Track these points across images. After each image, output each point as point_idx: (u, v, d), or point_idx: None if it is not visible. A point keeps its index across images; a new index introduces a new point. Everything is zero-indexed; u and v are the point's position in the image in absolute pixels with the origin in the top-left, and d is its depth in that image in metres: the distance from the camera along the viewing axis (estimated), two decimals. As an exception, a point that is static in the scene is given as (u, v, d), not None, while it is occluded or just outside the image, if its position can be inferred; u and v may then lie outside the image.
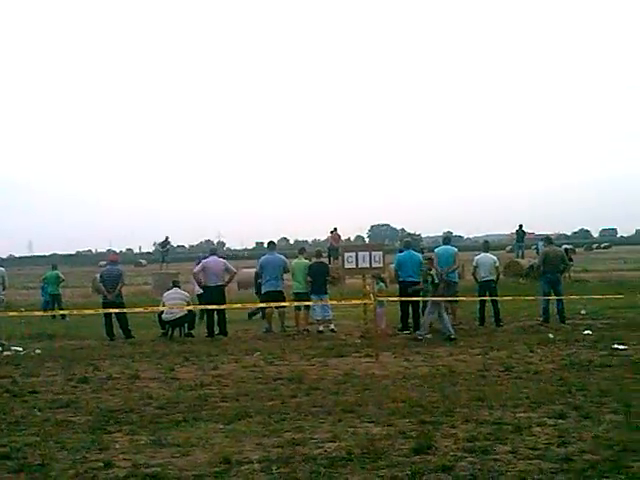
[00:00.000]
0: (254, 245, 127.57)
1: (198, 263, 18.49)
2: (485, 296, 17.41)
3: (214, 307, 16.61)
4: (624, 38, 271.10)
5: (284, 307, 17.39)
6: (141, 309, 17.45)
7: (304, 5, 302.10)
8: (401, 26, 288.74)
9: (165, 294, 18.04)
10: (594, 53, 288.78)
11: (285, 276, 18.09)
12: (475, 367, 11.66)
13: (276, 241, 19.83)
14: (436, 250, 18.12)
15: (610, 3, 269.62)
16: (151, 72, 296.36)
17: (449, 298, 16.46)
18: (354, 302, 17.01)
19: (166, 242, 48.71)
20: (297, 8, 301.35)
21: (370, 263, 16.70)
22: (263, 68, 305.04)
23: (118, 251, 79.40)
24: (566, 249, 27.67)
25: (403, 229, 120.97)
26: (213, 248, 20.22)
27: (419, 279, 16.53)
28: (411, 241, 19.07)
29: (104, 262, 47.10)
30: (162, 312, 17.08)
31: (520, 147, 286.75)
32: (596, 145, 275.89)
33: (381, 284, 16.69)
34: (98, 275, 19.30)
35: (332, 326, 17.25)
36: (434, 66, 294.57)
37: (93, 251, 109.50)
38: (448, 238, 19.34)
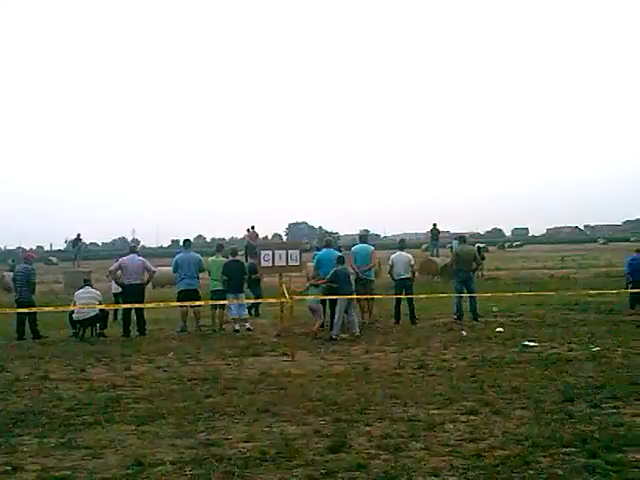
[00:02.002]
0: (170, 243, 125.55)
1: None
2: (401, 294, 17.59)
3: (128, 306, 16.31)
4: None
5: (199, 306, 17.16)
6: (51, 308, 16.97)
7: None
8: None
9: (76, 293, 17.55)
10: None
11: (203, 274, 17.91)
12: (390, 365, 11.76)
13: (192, 239, 19.58)
14: (353, 248, 18.23)
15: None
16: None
17: (365, 296, 16.59)
18: (271, 301, 16.94)
19: (78, 239, 47.55)
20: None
21: (287, 261, 16.75)
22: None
23: (28, 248, 76.87)
24: (479, 248, 28.30)
25: (321, 227, 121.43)
26: (132, 246, 19.73)
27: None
28: (331, 240, 19.09)
29: (13, 260, 45.76)
30: (73, 311, 16.62)
31: (435, 149, 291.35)
32: (513, 152, 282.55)
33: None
34: (7, 273, 18.70)
35: (248, 325, 17.14)
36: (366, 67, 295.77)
37: (2, 248, 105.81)
38: (365, 236, 19.50)
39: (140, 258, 17.67)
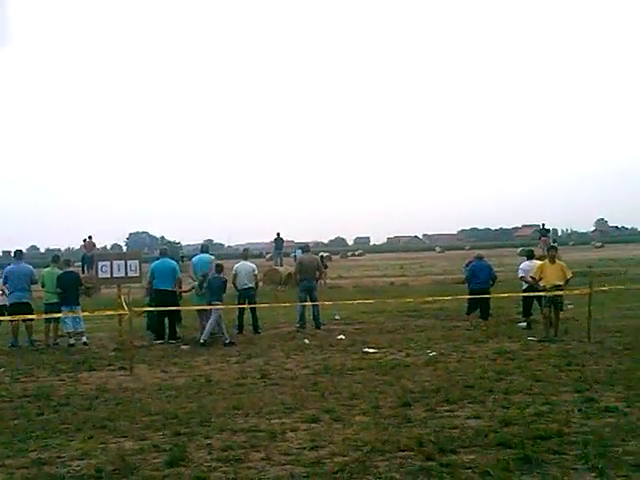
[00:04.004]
0: (0, 254, 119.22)
1: None
2: (244, 304, 17.49)
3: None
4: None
5: (32, 320, 16.32)
6: None
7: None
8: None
9: None
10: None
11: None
12: (232, 375, 11.69)
13: (24, 249, 18.65)
14: (193, 259, 18.01)
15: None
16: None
17: (208, 306, 16.37)
18: (108, 313, 16.40)
19: None
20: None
21: (126, 272, 16.30)
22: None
23: None
24: (322, 256, 28.67)
25: (163, 237, 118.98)
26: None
27: (174, 287, 16.38)
28: (167, 249, 18.74)
29: None
30: None
31: (282, 157, 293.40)
32: (358, 165, 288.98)
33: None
34: None
35: (84, 339, 16.48)
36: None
37: None
38: (206, 246, 19.28)
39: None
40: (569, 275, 15.61)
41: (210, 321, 15.75)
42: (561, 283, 15.37)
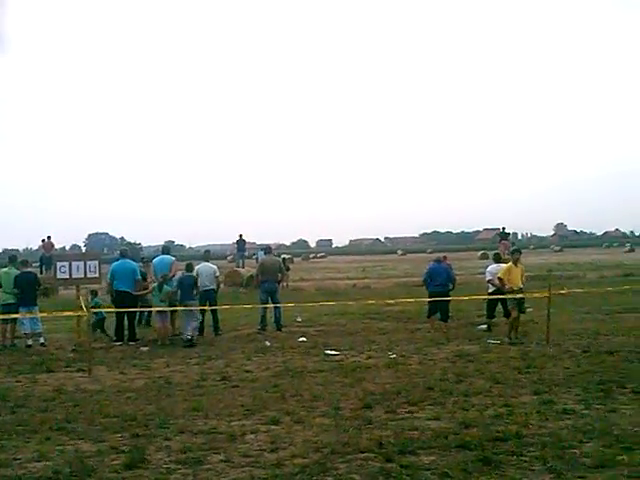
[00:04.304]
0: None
1: None
2: (205, 305, 17.37)
3: None
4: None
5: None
6: None
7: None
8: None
9: None
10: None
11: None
12: (192, 377, 11.60)
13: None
14: (154, 260, 17.88)
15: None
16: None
17: (171, 308, 16.25)
18: (67, 314, 16.19)
19: None
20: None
21: (85, 273, 16.09)
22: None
23: None
24: (284, 259, 28.61)
25: (123, 238, 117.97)
26: None
27: (134, 289, 16.27)
28: (127, 250, 18.57)
29: None
30: None
31: (239, 159, 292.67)
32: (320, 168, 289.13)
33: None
34: None
35: (42, 340, 16.24)
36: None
37: None
38: (168, 248, 19.17)
39: None
40: (524, 278, 15.85)
41: (193, 319, 15.99)
42: (522, 286, 15.56)
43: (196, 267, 17.92)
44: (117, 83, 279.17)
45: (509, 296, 15.58)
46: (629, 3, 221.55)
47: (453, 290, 17.64)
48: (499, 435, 7.40)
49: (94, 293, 17.16)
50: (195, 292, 16.40)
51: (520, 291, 15.43)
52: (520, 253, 17.15)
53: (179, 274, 16.76)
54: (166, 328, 16.11)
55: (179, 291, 16.24)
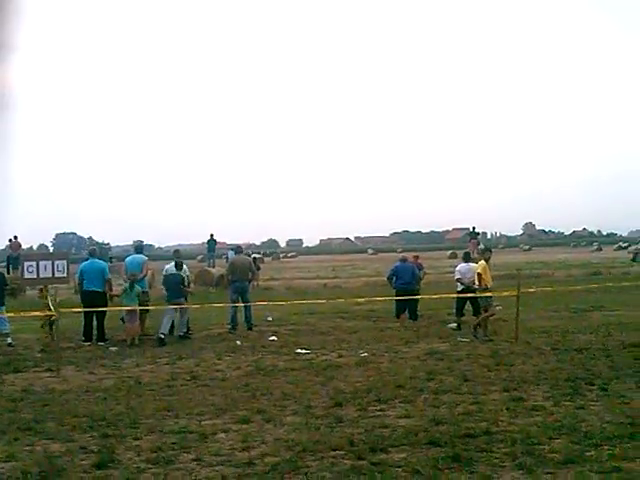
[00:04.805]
0: None
1: None
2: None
3: None
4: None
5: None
6: None
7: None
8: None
9: None
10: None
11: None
12: (162, 377, 11.54)
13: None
14: (126, 259, 17.75)
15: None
16: None
17: (141, 307, 16.15)
18: (35, 314, 16.01)
19: None
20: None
21: (53, 273, 15.94)
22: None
23: None
24: (254, 258, 28.53)
25: (91, 237, 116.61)
26: None
27: (103, 288, 16.11)
28: (96, 249, 18.42)
29: None
30: None
31: (205, 159, 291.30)
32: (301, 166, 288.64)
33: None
34: None
35: (9, 340, 16.04)
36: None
37: None
38: (140, 247, 19.03)
39: None
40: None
41: (182, 317, 16.29)
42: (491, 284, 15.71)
43: (166, 267, 17.78)
44: (106, 81, 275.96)
45: (478, 294, 15.70)
46: (627, 7, 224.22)
47: (419, 288, 17.77)
48: (469, 432, 7.46)
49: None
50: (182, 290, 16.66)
51: (488, 289, 15.56)
52: (491, 252, 17.28)
53: (150, 274, 16.64)
54: (135, 328, 15.98)
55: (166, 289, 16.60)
